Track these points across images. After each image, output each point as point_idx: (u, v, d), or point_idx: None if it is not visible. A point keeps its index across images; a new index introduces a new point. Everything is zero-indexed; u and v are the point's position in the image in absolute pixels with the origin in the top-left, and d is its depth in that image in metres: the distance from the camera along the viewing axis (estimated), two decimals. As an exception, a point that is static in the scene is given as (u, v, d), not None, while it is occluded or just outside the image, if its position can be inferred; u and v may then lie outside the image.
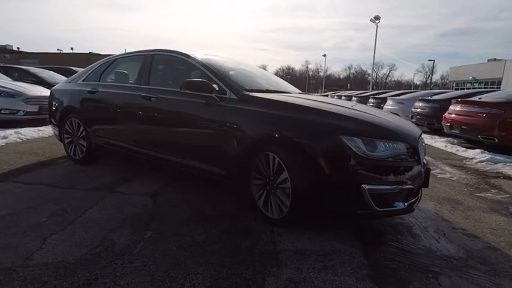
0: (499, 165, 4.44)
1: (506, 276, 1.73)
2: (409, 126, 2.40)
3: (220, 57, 3.09)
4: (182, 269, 1.65)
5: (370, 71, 70.64)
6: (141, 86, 2.91)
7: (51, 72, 9.33)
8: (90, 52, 30.76)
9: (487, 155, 4.84)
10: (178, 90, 2.50)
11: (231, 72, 2.71)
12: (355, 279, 1.64)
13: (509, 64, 30.26)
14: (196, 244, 1.92)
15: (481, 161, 4.65)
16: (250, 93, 2.39)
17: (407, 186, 2.01)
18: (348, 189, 1.92)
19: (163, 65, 3.10)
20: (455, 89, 32.31)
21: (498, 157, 4.74)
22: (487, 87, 31.82)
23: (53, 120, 3.90)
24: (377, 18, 25.82)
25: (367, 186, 1.87)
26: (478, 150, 5.15)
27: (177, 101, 2.62)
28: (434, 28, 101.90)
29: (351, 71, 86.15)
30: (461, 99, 6.28)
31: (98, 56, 30.14)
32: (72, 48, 53.26)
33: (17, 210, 2.28)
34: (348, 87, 57.67)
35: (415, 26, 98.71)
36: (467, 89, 33.84)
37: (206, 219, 2.28)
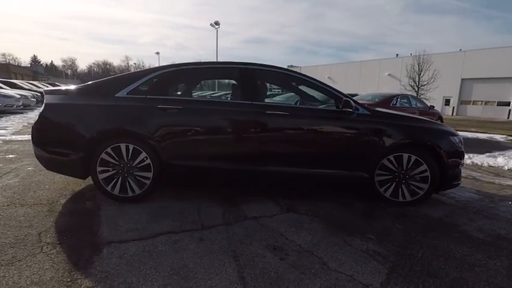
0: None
1: None
2: None
3: None
4: (447, 258, 2.21)
5: (197, 70, 74.83)
6: (258, 103, 2.77)
7: None
8: None
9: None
10: (311, 106, 2.73)
11: None
12: (491, 219, 2.77)
13: (304, 70, 41.56)
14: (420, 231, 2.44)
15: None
16: (377, 109, 3.00)
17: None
18: (455, 170, 3.02)
19: (273, 82, 3.01)
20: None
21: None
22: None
23: (58, 149, 2.64)
24: (217, 23, 28.24)
25: (461, 166, 3.05)
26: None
27: (319, 118, 2.82)
28: (238, 35, 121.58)
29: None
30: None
31: None
32: None
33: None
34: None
35: (225, 31, 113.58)
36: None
37: (375, 218, 2.70)
